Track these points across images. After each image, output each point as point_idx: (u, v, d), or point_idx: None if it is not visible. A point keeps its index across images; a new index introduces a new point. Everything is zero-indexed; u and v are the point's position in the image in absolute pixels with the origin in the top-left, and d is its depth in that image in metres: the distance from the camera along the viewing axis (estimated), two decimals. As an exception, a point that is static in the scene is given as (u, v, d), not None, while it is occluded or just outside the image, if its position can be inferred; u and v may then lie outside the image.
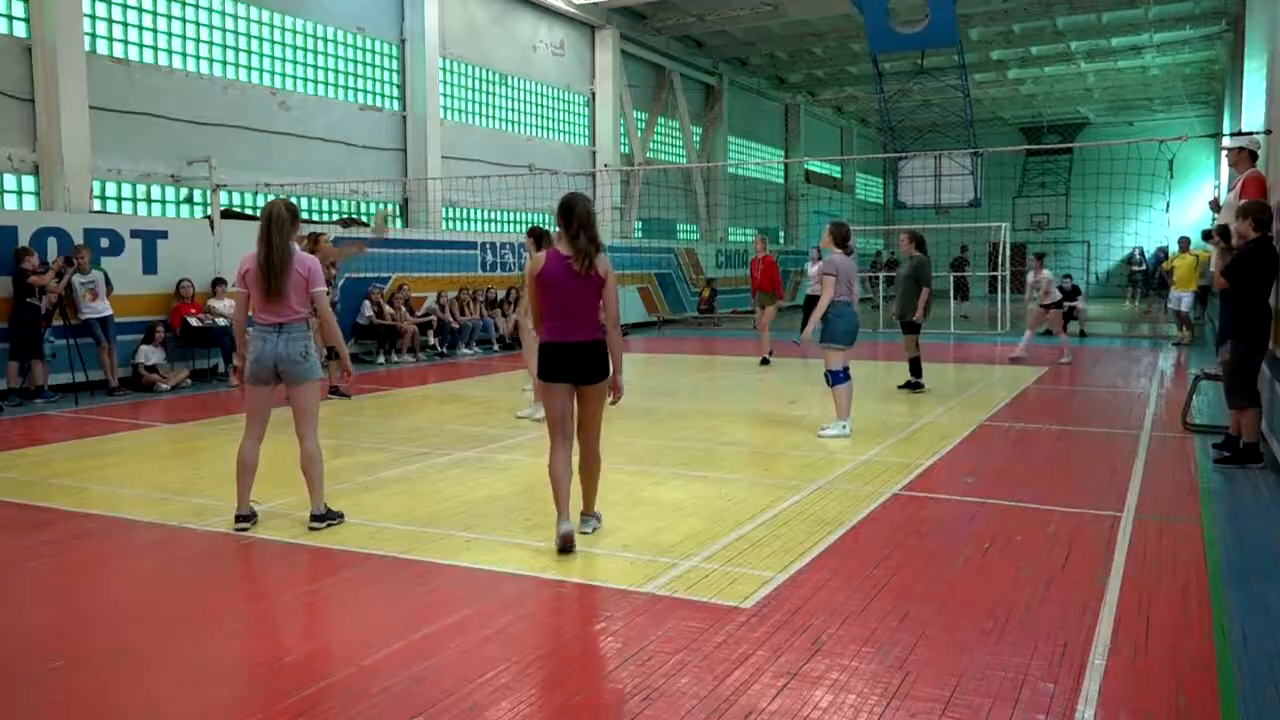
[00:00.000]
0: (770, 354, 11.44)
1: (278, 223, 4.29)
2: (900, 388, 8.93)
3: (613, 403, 4.23)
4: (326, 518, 4.48)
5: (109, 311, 9.50)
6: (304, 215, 13.24)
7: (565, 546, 4.06)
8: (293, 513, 4.70)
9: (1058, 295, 11.78)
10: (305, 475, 4.45)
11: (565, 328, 4.07)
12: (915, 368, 8.90)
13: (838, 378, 6.65)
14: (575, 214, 4.01)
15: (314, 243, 8.66)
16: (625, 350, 9.67)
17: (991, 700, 2.70)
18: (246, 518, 4.49)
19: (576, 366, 4.09)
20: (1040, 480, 5.39)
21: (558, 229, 4.15)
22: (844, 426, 6.64)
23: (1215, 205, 8.07)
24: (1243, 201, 5.82)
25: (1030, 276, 12.05)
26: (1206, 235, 7.17)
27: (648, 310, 18.60)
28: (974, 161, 20.67)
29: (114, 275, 9.73)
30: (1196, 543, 4.19)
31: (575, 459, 4.27)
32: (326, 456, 4.90)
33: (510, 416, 7.73)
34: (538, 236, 6.91)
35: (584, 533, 4.33)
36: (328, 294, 8.63)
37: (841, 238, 6.69)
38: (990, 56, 22.87)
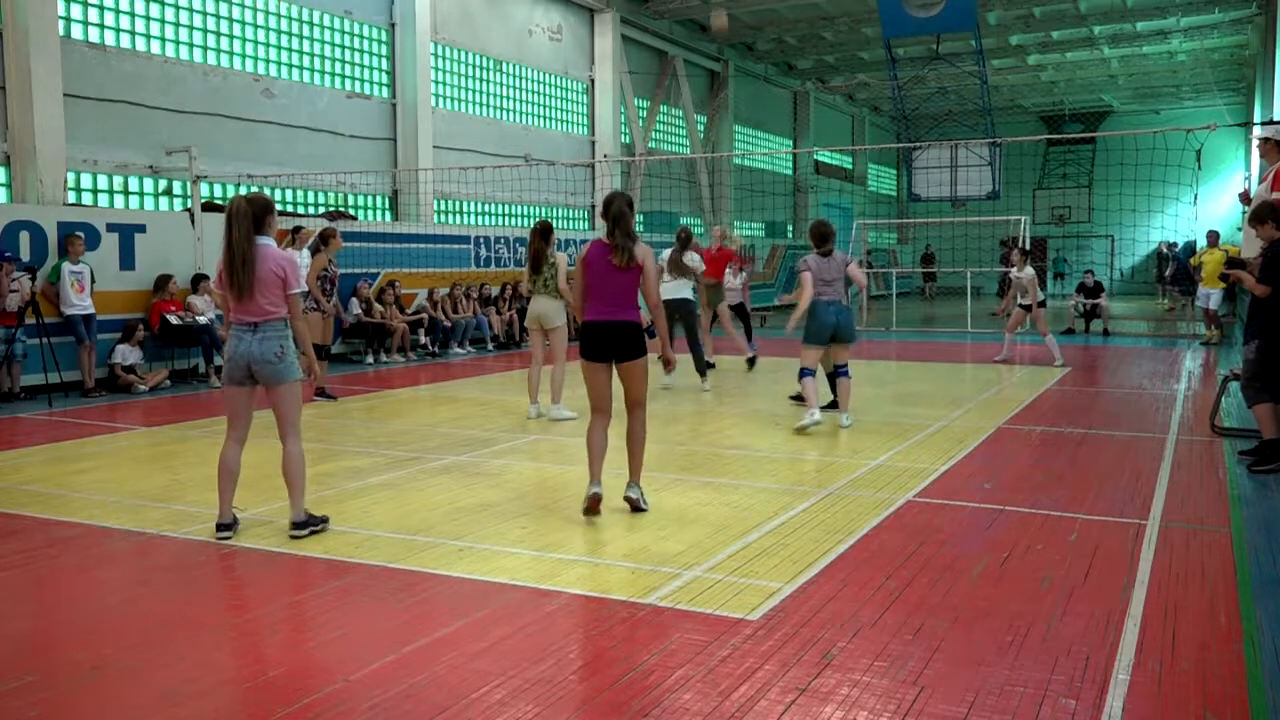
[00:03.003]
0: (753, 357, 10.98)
1: (236, 219, 4.18)
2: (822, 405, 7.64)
3: (667, 373, 4.86)
4: (308, 524, 4.38)
5: (92, 308, 9.25)
6: (289, 208, 12.91)
7: (591, 508, 4.53)
8: (277, 520, 4.61)
9: (1040, 296, 11.02)
10: (286, 480, 4.38)
11: (602, 309, 4.53)
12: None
13: (805, 373, 6.98)
14: (610, 212, 4.54)
15: (310, 238, 8.72)
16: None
17: (1010, 717, 2.64)
18: (228, 525, 4.38)
19: (613, 344, 4.52)
20: (1062, 486, 5.25)
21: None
22: (816, 415, 6.85)
23: (1245, 198, 7.62)
24: (1256, 205, 5.85)
25: (1012, 273, 11.18)
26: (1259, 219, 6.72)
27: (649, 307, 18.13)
28: (992, 152, 20.11)
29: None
30: (1225, 552, 4.10)
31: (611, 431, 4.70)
32: (312, 461, 5.13)
33: (505, 419, 7.51)
34: (545, 233, 7.65)
35: (629, 498, 4.65)
36: (329, 300, 8.04)
37: (819, 239, 6.88)
38: (1009, 41, 22.38)
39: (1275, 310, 5.53)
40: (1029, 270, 10.90)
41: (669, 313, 8.87)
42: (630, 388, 4.63)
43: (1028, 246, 14.74)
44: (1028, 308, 10.91)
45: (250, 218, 4.18)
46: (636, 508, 4.65)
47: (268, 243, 4.25)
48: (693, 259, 9.24)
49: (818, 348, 6.87)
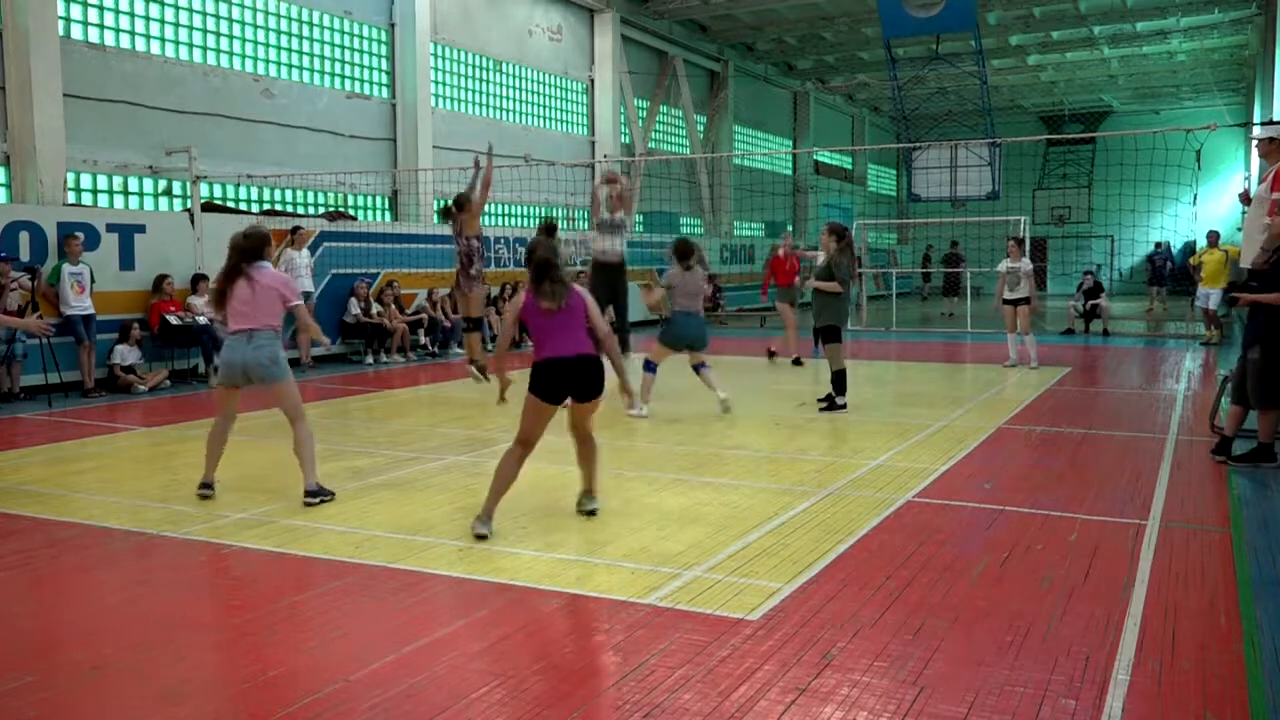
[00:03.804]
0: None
1: (232, 253, 4.94)
2: (822, 406, 7.78)
3: (629, 408, 4.67)
4: (318, 493, 4.93)
5: (92, 309, 9.26)
6: (288, 208, 12.92)
7: (477, 537, 4.27)
8: (275, 520, 4.66)
9: (1029, 291, 10.36)
10: (297, 455, 4.97)
11: (557, 347, 4.33)
12: (839, 382, 7.77)
13: (649, 366, 7.61)
14: (533, 259, 4.38)
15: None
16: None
17: (1010, 717, 2.64)
18: (209, 485, 5.07)
19: (574, 382, 4.32)
20: (1061, 486, 5.27)
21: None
22: (643, 408, 7.35)
23: (1245, 198, 7.61)
24: (1275, 195, 5.74)
25: (1005, 264, 10.38)
26: None
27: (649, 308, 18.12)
28: (992, 152, 20.10)
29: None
30: (1225, 552, 4.11)
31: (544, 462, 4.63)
32: None
33: (505, 419, 7.50)
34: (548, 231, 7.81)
35: (587, 510, 4.63)
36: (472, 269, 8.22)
37: (681, 254, 7.49)
38: (1009, 41, 22.38)
39: (1277, 313, 5.50)
40: (1026, 261, 10.45)
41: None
42: (583, 422, 4.48)
43: (1029, 248, 14.64)
44: (1015, 302, 10.32)
45: (241, 251, 4.91)
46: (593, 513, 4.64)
47: (266, 266, 4.97)
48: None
49: (670, 350, 7.65)
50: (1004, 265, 10.53)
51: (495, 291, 14.10)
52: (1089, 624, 3.27)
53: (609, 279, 8.86)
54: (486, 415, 7.75)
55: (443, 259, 13.74)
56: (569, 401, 4.44)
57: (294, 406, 4.94)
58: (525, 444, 4.41)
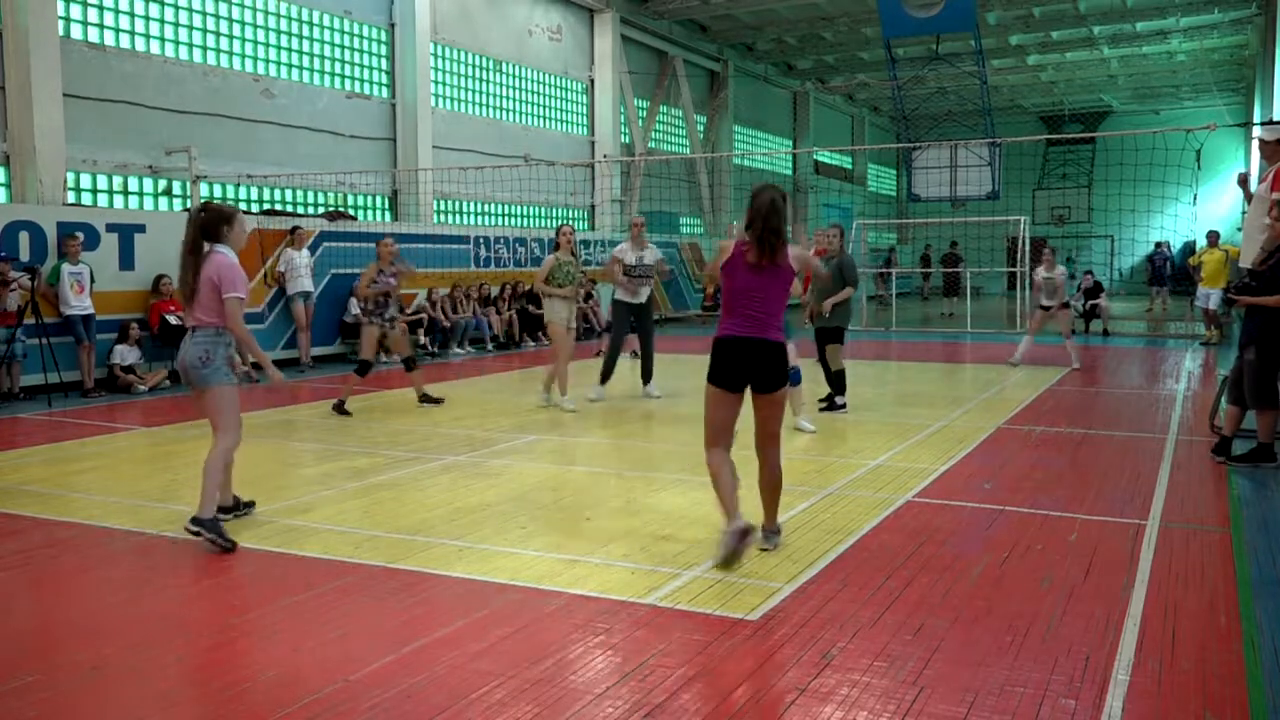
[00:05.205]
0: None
1: (186, 227, 4.35)
2: (822, 407, 7.73)
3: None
4: (203, 525, 4.18)
5: (91, 309, 9.26)
6: (288, 208, 12.91)
7: (729, 557, 3.60)
8: (276, 520, 4.66)
9: (1066, 297, 10.76)
10: (203, 472, 4.30)
11: (738, 324, 3.90)
12: (839, 382, 7.76)
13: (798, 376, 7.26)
14: (755, 204, 3.90)
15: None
16: (625, 350, 9.29)
17: (1010, 717, 2.64)
18: (227, 509, 4.54)
19: (752, 368, 3.89)
20: (1061, 486, 5.26)
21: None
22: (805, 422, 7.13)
23: (1244, 181, 7.61)
24: (1276, 195, 5.75)
25: (1040, 273, 10.82)
26: None
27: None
28: (992, 152, 20.08)
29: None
30: (1225, 552, 4.11)
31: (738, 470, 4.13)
32: (312, 461, 5.44)
33: (505, 419, 7.57)
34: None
35: (764, 549, 4.09)
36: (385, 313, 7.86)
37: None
38: (1009, 41, 22.38)
39: (1271, 314, 5.51)
40: (1060, 269, 10.70)
41: (625, 315, 8.40)
42: (767, 421, 4.02)
43: (1028, 248, 14.68)
44: (1048, 309, 10.67)
45: (197, 226, 4.25)
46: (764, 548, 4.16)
47: (222, 251, 4.28)
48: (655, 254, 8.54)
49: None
50: (1040, 273, 10.89)
51: (495, 291, 14.12)
52: (1089, 624, 3.27)
53: (632, 313, 8.47)
54: (487, 416, 7.76)
55: (443, 258, 13.75)
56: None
57: (221, 421, 4.29)
58: (717, 442, 3.99)
